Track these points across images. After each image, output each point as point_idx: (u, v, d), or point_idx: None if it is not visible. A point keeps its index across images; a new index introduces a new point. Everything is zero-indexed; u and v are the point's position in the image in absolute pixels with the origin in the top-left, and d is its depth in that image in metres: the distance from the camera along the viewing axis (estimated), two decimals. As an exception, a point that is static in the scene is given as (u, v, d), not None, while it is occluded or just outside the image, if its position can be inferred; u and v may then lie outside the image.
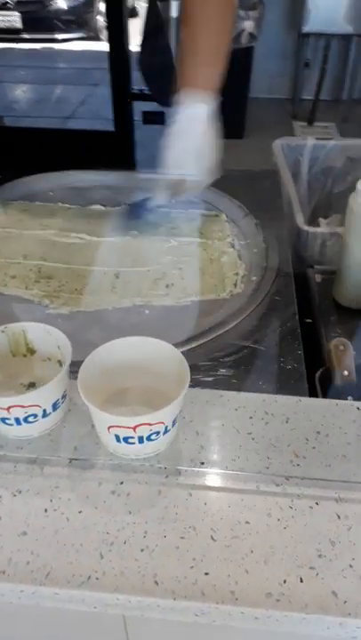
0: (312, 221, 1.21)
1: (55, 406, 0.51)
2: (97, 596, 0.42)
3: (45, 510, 0.46)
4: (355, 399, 0.62)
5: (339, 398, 0.61)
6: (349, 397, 0.64)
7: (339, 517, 0.46)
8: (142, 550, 0.44)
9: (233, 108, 2.84)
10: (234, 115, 2.86)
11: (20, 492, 0.48)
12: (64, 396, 0.52)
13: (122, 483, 0.48)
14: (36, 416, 0.50)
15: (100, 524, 0.45)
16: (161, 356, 0.52)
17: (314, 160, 1.32)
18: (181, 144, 0.75)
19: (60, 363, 0.54)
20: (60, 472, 0.49)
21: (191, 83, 0.74)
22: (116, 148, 1.79)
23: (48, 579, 0.42)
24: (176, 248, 0.81)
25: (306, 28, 2.93)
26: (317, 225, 1.17)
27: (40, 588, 0.42)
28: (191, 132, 0.76)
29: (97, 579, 0.42)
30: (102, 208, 0.91)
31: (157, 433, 0.48)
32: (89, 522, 0.46)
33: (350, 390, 0.65)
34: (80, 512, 0.46)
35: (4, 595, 0.43)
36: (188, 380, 0.48)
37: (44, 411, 0.50)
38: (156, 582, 0.42)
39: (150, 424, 0.46)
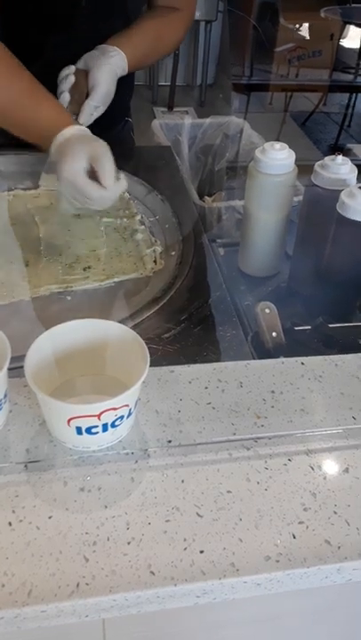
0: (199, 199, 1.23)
1: (-2, 408, 0.45)
2: (90, 603, 0.38)
3: (10, 523, 0.41)
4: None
5: (271, 358, 0.62)
6: (281, 357, 0.66)
7: (313, 469, 0.47)
8: (129, 543, 0.40)
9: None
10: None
11: (-26, 509, 0.42)
12: (5, 396, 0.47)
13: (89, 477, 0.44)
14: (-22, 422, 0.44)
15: (77, 526, 0.41)
16: (109, 337, 0.49)
17: (192, 139, 1.33)
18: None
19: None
20: (16, 479, 0.44)
21: (120, 44, 0.82)
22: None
23: (31, 597, 0.37)
24: (85, 230, 0.76)
25: (155, 14, 2.94)
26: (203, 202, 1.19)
27: (23, 610, 0.37)
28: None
29: (87, 584, 0.38)
30: (-8, 195, 0.83)
31: (122, 417, 0.44)
32: (63, 526, 0.41)
33: (281, 350, 0.67)
34: (50, 517, 0.42)
35: (-21, 628, 0.37)
36: (148, 356, 0.45)
37: (-12, 414, 0.44)
38: (152, 572, 0.39)
39: (116, 408, 0.43)
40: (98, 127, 0.92)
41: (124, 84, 0.97)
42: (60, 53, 0.91)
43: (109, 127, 0.97)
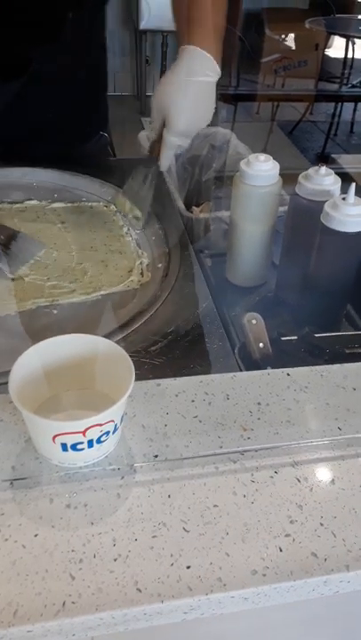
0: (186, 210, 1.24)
1: (-17, 425, 0.45)
2: (77, 622, 0.37)
3: (-5, 543, 0.41)
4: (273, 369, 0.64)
5: (259, 369, 0.62)
6: (268, 368, 0.66)
7: (299, 481, 0.47)
8: (115, 560, 0.40)
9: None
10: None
11: None
12: (-9, 413, 0.46)
13: (75, 494, 0.44)
14: None
15: (63, 543, 0.41)
16: (95, 352, 0.49)
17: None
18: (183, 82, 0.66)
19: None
20: (1, 497, 0.43)
21: (201, 44, 0.66)
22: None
23: (17, 617, 0.37)
24: (71, 243, 0.77)
25: (142, 25, 2.98)
26: (191, 213, 1.20)
27: (9, 631, 0.37)
28: (195, 76, 0.67)
29: (73, 603, 0.38)
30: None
31: (107, 433, 0.44)
32: (49, 544, 0.41)
33: (268, 361, 0.67)
34: (36, 535, 0.41)
35: (-36, 650, 0.37)
36: (133, 372, 0.45)
37: (-27, 432, 0.44)
38: (139, 589, 0.39)
39: (101, 424, 0.43)
40: (70, 141, 0.92)
41: (98, 98, 0.97)
42: (47, 66, 0.91)
43: (82, 142, 0.97)
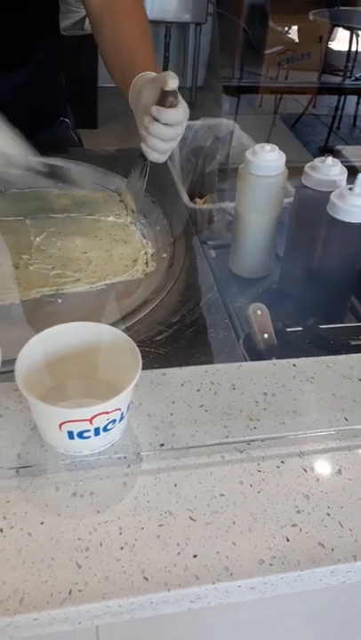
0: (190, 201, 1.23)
1: (-11, 413, 0.45)
2: (83, 610, 0.37)
3: (1, 530, 0.40)
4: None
5: (264, 360, 0.62)
6: (273, 358, 0.66)
7: (306, 471, 0.46)
8: (122, 548, 0.40)
9: (85, 98, 2.78)
10: (86, 104, 2.80)
11: (-35, 516, 0.41)
12: (-4, 401, 0.46)
13: (81, 482, 0.44)
14: (-32, 427, 0.43)
15: (69, 532, 0.41)
16: (101, 340, 0.48)
17: (183, 140, 1.33)
18: None
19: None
20: (7, 485, 0.43)
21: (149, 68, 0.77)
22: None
23: (23, 605, 0.37)
24: (75, 232, 0.76)
25: (145, 16, 2.95)
26: (194, 204, 1.19)
27: (15, 618, 0.36)
28: None
29: (80, 591, 0.38)
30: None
31: (114, 421, 0.44)
32: (55, 532, 0.41)
33: (273, 352, 0.67)
34: (42, 523, 0.41)
35: (-30, 637, 0.37)
36: (140, 359, 0.44)
37: (-22, 420, 0.44)
38: (146, 578, 0.39)
39: (108, 412, 0.42)
40: (28, 126, 0.92)
41: (55, 83, 0.96)
42: (48, 59, 0.91)
43: (42, 126, 0.97)
